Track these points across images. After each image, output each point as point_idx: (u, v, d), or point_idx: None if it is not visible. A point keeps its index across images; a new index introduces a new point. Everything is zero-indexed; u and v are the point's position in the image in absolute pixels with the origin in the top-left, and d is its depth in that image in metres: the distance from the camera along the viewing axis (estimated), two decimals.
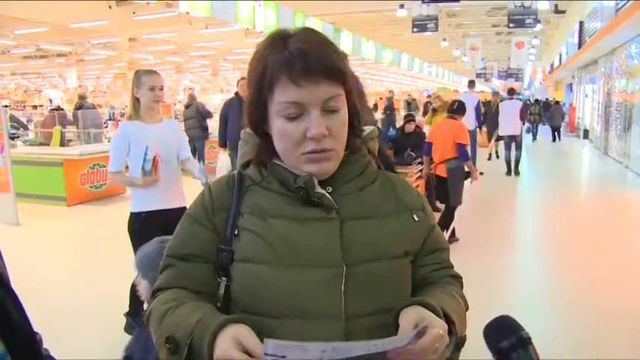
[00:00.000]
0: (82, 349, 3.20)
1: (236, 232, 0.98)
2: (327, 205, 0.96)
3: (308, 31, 0.97)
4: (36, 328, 0.92)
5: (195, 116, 10.51)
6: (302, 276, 0.91)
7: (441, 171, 5.61)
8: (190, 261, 1.00)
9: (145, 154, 3.09)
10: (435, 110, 9.34)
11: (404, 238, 1.01)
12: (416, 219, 1.04)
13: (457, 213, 5.72)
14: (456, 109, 5.81)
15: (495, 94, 11.87)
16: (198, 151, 10.54)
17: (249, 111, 1.00)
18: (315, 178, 0.97)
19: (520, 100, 13.57)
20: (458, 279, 1.12)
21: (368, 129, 1.09)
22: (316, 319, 0.90)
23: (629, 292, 4.38)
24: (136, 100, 3.22)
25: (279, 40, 0.94)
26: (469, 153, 5.74)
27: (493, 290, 4.32)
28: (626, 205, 8.51)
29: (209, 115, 10.80)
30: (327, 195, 0.97)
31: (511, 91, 11.77)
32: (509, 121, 10.65)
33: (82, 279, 4.87)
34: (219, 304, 0.97)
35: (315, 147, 0.93)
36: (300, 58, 0.90)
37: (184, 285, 0.99)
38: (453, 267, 1.13)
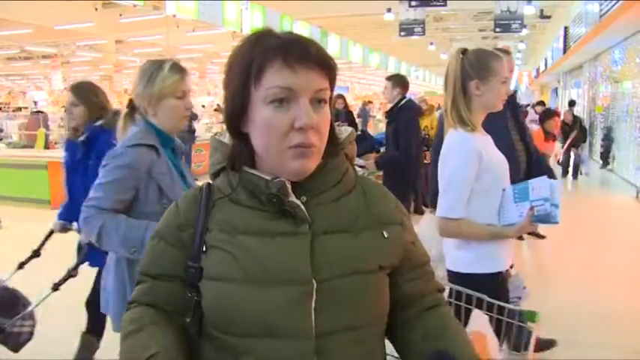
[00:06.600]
0: (63, 354, 3.15)
1: (204, 249, 0.94)
2: (300, 218, 0.92)
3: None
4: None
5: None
6: (271, 294, 0.88)
7: None
8: (159, 279, 0.99)
9: (550, 185, 1.88)
10: (422, 113, 9.38)
11: (378, 253, 0.97)
12: (385, 235, 0.98)
13: None
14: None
15: None
16: (185, 155, 10.58)
17: (229, 107, 0.94)
18: (289, 185, 0.92)
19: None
20: (442, 292, 1.11)
21: (345, 131, 1.04)
22: (286, 338, 0.88)
23: (625, 292, 4.43)
24: (464, 97, 2.01)
25: (267, 34, 0.92)
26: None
27: None
28: (611, 206, 8.61)
29: (195, 116, 11.02)
30: (302, 206, 0.92)
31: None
32: None
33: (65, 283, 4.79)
34: (188, 319, 0.95)
35: (303, 139, 0.88)
36: (297, 43, 0.89)
37: (153, 302, 0.99)
38: (434, 276, 1.11)
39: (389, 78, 4.83)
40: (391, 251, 1.00)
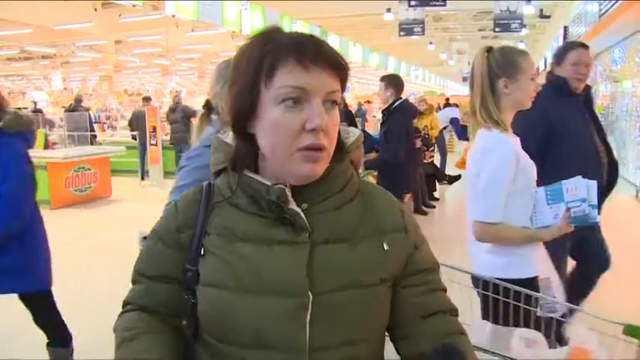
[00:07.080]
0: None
1: (202, 253, 0.92)
2: (300, 226, 0.89)
3: None
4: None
5: (182, 120, 10.50)
6: (265, 304, 0.86)
7: None
8: (156, 281, 0.97)
9: (587, 185, 1.86)
10: (421, 113, 9.40)
11: (378, 265, 0.93)
12: (385, 248, 0.94)
13: None
14: None
15: None
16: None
17: (235, 106, 0.90)
18: (289, 192, 0.88)
19: None
20: (453, 312, 1.00)
21: (353, 135, 1.00)
22: (279, 350, 0.85)
23: (625, 292, 4.42)
24: (492, 95, 1.95)
25: (277, 31, 0.89)
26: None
27: None
28: (610, 206, 8.62)
29: (194, 114, 10.97)
30: (302, 214, 0.89)
31: None
32: None
33: (64, 283, 4.80)
34: (184, 322, 0.94)
35: (314, 141, 0.84)
36: (310, 42, 0.86)
37: (148, 304, 0.97)
38: (444, 289, 1.02)
39: (382, 78, 4.76)
40: (392, 263, 0.95)
